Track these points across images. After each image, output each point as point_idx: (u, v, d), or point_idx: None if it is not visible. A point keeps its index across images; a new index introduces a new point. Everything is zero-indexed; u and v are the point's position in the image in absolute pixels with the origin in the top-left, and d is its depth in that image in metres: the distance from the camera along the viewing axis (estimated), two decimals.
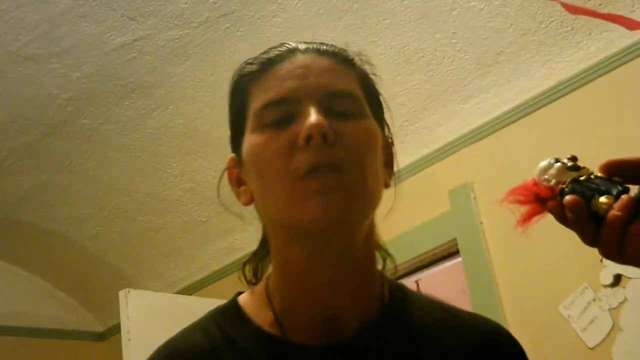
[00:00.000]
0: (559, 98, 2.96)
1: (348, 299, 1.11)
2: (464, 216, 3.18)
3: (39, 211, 4.30)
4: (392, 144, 1.21)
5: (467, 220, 3.16)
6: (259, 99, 1.10)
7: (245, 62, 1.17)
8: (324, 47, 1.15)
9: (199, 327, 1.17)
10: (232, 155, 1.18)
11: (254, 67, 1.14)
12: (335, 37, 2.94)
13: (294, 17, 2.93)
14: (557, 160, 1.02)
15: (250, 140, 1.09)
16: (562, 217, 1.02)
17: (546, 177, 1.03)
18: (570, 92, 2.93)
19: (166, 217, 4.24)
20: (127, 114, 3.50)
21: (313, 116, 1.03)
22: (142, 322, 3.52)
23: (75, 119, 3.52)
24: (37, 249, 4.75)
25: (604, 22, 2.72)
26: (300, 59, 1.11)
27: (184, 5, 2.91)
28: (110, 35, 3.04)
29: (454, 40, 2.96)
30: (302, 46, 1.14)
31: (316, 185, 1.02)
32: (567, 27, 2.81)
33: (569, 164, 1.01)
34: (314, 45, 1.14)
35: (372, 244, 1.15)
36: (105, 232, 4.44)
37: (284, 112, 1.06)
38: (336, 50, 1.15)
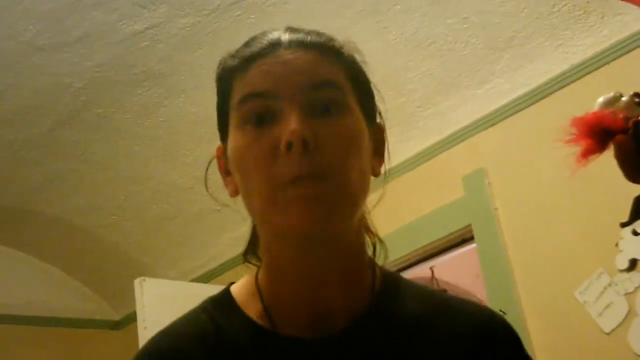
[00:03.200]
0: (572, 82, 2.95)
1: (336, 293, 1.11)
2: (478, 202, 3.17)
3: (53, 200, 4.31)
4: (383, 130, 1.19)
5: (482, 206, 3.16)
6: (238, 92, 1.10)
7: (229, 54, 1.17)
8: (309, 39, 1.12)
9: (191, 316, 1.19)
10: (220, 145, 1.18)
11: (236, 62, 1.13)
12: (346, 24, 2.94)
13: (304, 4, 2.92)
14: (622, 95, 0.98)
15: (233, 139, 1.10)
16: (629, 153, 0.98)
17: (612, 110, 0.98)
18: (583, 76, 2.92)
19: (180, 206, 4.25)
20: (139, 102, 3.50)
21: (293, 122, 1.02)
22: (157, 311, 3.53)
23: (88, 108, 3.53)
24: (51, 239, 4.77)
25: (617, 5, 2.70)
26: (282, 54, 1.10)
27: None
28: (122, 24, 3.04)
29: (465, 25, 2.95)
30: (285, 38, 1.12)
31: (297, 193, 1.02)
32: (580, 10, 2.79)
33: (636, 99, 0.97)
34: (298, 37, 1.12)
35: (361, 236, 1.15)
36: (120, 220, 4.45)
37: (263, 107, 1.06)
38: (321, 41, 1.13)
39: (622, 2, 2.51)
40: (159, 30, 3.08)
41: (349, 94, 1.10)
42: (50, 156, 3.89)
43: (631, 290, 2.64)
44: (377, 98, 1.20)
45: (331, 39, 1.15)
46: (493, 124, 3.21)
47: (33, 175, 4.06)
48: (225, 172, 1.17)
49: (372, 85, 1.19)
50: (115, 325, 5.23)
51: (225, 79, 1.14)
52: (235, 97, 1.10)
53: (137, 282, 3.59)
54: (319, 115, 1.05)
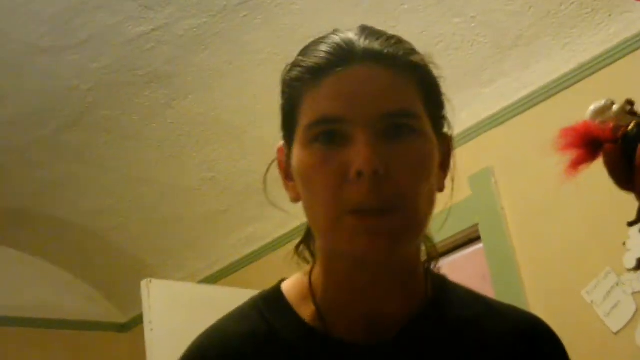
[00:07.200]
0: (579, 81, 2.94)
1: (391, 301, 1.11)
2: (485, 201, 3.16)
3: (59, 203, 4.31)
4: (450, 140, 1.18)
5: (488, 205, 3.15)
6: (309, 113, 1.06)
7: (297, 60, 1.11)
8: (386, 51, 1.07)
9: (241, 314, 1.16)
10: (281, 145, 1.15)
11: (306, 74, 1.08)
12: (353, 24, 2.93)
13: (311, 4, 2.92)
14: (613, 103, 0.97)
15: (300, 155, 1.07)
16: (618, 163, 0.97)
17: (602, 119, 0.97)
18: (591, 74, 2.91)
19: (187, 207, 4.25)
20: (146, 104, 3.50)
21: (364, 151, 0.99)
22: (164, 312, 3.53)
23: (94, 110, 3.53)
24: (58, 241, 4.77)
25: (624, 3, 2.69)
26: (356, 71, 1.05)
27: None
28: (128, 26, 3.04)
29: (472, 25, 2.95)
30: (359, 45, 1.07)
31: (363, 226, 1.01)
32: (587, 8, 2.78)
33: (628, 107, 0.96)
34: (375, 46, 1.07)
35: (419, 248, 1.15)
36: (126, 223, 4.45)
37: (334, 130, 1.03)
38: (399, 54, 1.08)
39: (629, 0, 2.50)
40: (165, 32, 3.08)
41: (422, 116, 1.07)
42: (57, 159, 3.90)
43: (639, 289, 2.64)
44: (447, 108, 1.18)
45: (409, 52, 1.10)
46: (500, 123, 3.20)
47: (40, 177, 4.06)
48: (287, 176, 1.14)
49: (444, 97, 1.16)
50: (122, 328, 5.23)
51: (294, 89, 1.10)
52: (305, 115, 1.07)
53: (143, 283, 3.58)
54: (390, 138, 1.03)
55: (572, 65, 2.96)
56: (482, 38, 2.99)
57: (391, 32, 1.12)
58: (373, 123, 1.02)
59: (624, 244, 2.67)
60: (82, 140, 3.75)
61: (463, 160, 3.50)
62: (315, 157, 1.04)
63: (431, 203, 1.09)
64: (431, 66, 1.13)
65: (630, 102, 0.97)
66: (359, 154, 1.00)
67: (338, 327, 1.10)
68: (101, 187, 4.15)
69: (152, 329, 3.47)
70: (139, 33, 3.08)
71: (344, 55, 1.06)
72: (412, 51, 1.10)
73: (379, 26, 1.13)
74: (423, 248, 1.19)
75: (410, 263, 1.13)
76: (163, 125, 3.65)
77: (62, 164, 3.94)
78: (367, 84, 1.04)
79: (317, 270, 1.15)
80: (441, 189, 1.14)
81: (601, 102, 0.97)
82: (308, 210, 1.08)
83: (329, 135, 1.03)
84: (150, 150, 3.83)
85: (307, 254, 1.19)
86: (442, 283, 1.21)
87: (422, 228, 1.07)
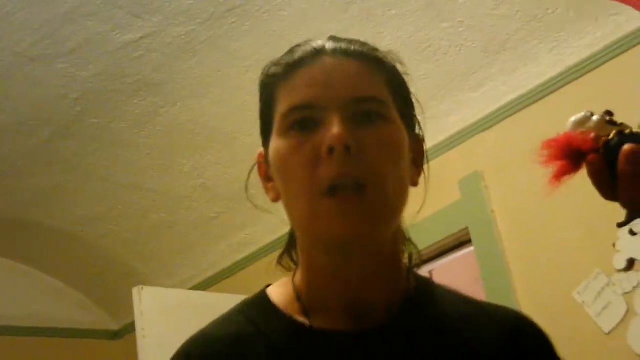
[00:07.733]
0: (567, 84, 2.95)
1: (373, 293, 1.12)
2: (475, 205, 3.17)
3: (50, 212, 4.31)
4: (422, 140, 1.23)
5: (478, 209, 3.16)
6: (284, 103, 1.11)
7: (272, 62, 1.18)
8: (353, 48, 1.14)
9: (227, 319, 1.18)
10: (261, 150, 1.19)
11: (279, 70, 1.14)
12: (341, 30, 2.94)
13: (299, 11, 2.92)
14: (592, 114, 0.97)
15: (276, 144, 1.11)
16: (601, 172, 0.98)
17: (583, 130, 0.97)
18: (578, 77, 2.92)
19: (177, 214, 4.25)
20: (135, 111, 3.50)
21: (336, 127, 1.04)
22: (156, 319, 3.53)
23: (83, 118, 3.53)
24: (50, 250, 4.76)
25: (611, 6, 2.70)
26: (326, 62, 1.12)
27: (189, 2, 2.91)
28: (117, 34, 3.04)
29: (460, 29, 2.95)
30: (329, 46, 1.14)
31: (338, 206, 1.03)
32: (574, 12, 2.80)
33: (607, 117, 0.96)
34: (342, 45, 1.14)
35: (398, 240, 1.17)
36: (117, 230, 4.45)
37: (308, 117, 1.07)
38: (365, 50, 1.15)
39: (616, 3, 2.52)
40: (153, 40, 3.09)
41: (390, 105, 1.12)
42: (47, 167, 3.89)
43: (629, 290, 2.65)
44: (417, 108, 1.23)
45: (374, 49, 1.17)
46: (489, 127, 3.21)
47: (30, 186, 4.06)
48: (267, 178, 1.18)
49: (412, 96, 1.21)
50: (114, 335, 5.22)
51: (269, 86, 1.16)
52: (280, 107, 1.12)
53: (135, 290, 3.58)
54: (360, 123, 1.07)
55: (559, 68, 2.97)
56: (469, 42, 3.00)
57: (379, 37, 1.16)
58: (344, 107, 1.07)
59: (614, 245, 2.68)
60: (72, 149, 3.75)
61: (453, 164, 3.53)
62: (290, 144, 1.08)
63: (403, 190, 1.11)
64: (398, 65, 1.19)
65: (609, 113, 0.97)
66: (330, 132, 1.04)
67: (324, 320, 1.12)
68: (91, 195, 4.15)
69: (144, 336, 3.47)
70: (127, 41, 3.08)
71: (315, 52, 1.13)
72: (378, 49, 1.17)
73: (368, 31, 1.17)
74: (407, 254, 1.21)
75: (389, 253, 1.14)
76: (152, 133, 3.65)
77: (52, 172, 3.94)
78: (337, 72, 1.11)
79: (300, 270, 1.17)
80: (414, 184, 1.18)
81: (581, 114, 0.98)
82: (286, 201, 1.11)
83: (303, 122, 1.08)
84: (140, 158, 3.83)
85: (289, 263, 1.22)
86: (427, 282, 1.23)
87: (395, 211, 1.10)
